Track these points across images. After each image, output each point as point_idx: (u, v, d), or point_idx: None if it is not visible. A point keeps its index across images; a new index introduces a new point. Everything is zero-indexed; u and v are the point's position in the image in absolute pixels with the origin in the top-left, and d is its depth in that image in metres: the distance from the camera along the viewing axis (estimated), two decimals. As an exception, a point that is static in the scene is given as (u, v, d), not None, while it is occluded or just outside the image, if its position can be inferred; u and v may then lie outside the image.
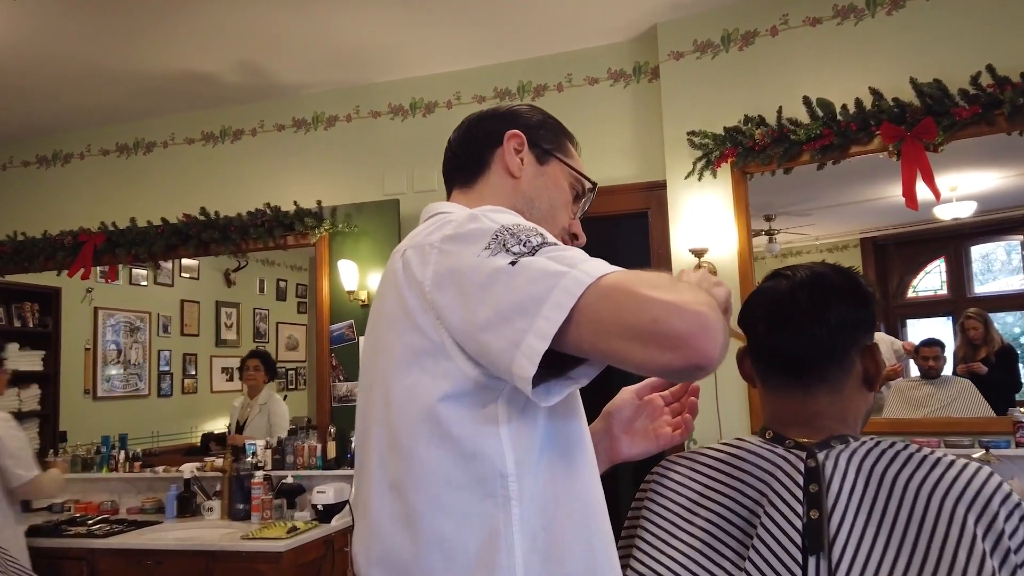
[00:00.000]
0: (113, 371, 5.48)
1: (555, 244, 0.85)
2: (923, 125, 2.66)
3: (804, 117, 2.89)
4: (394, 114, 3.82)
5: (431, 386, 0.86)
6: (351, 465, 3.46)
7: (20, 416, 4.67)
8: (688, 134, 3.09)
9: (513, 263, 0.81)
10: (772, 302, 1.04)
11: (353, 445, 3.50)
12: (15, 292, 4.61)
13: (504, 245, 0.83)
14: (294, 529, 3.08)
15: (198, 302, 6.30)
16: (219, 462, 3.54)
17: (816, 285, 1.02)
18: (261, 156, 4.02)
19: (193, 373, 6.19)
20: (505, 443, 0.85)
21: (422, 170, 3.74)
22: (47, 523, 3.36)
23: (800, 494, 0.95)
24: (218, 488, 3.56)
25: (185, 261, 5.78)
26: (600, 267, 0.79)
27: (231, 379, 6.60)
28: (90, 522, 3.41)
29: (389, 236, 3.62)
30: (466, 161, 1.11)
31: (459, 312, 0.84)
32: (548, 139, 1.11)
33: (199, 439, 5.45)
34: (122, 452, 3.89)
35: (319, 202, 3.67)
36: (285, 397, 4.92)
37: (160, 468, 3.77)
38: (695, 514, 1.02)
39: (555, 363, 0.80)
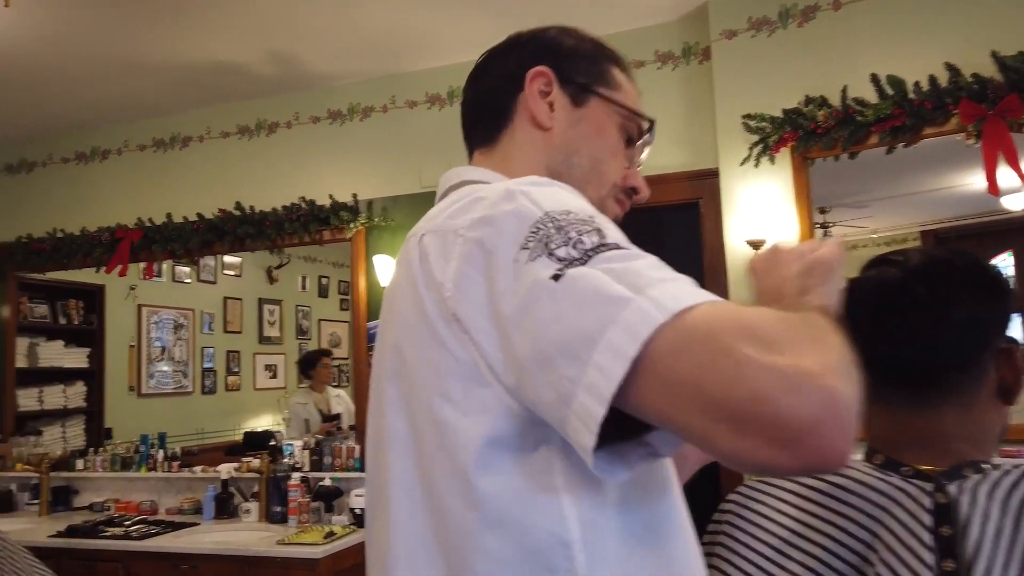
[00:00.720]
0: (158, 368, 5.47)
1: (616, 245, 0.61)
2: (1007, 102, 2.42)
3: (871, 96, 2.67)
4: (431, 103, 3.68)
5: (466, 427, 0.64)
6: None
7: (66, 413, 4.69)
8: (743, 118, 2.89)
9: (557, 276, 0.59)
10: (880, 296, 0.84)
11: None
12: (60, 290, 4.62)
13: (547, 245, 0.61)
14: (331, 534, 2.98)
15: (241, 299, 6.28)
16: (256, 463, 3.46)
17: (936, 274, 0.82)
18: (296, 149, 3.92)
19: (237, 370, 6.18)
20: (565, 499, 0.63)
21: (461, 160, 3.59)
22: (85, 523, 3.32)
23: (928, 538, 0.75)
24: (256, 489, 3.49)
25: (228, 259, 5.77)
26: (682, 294, 0.56)
27: (274, 376, 6.59)
28: (127, 523, 3.36)
29: (427, 230, 3.49)
30: (483, 113, 0.89)
31: (492, 336, 0.63)
32: (584, 70, 0.85)
33: (242, 437, 5.43)
34: (160, 451, 3.84)
35: (355, 195, 3.56)
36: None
37: (198, 468, 3.71)
38: (788, 557, 0.82)
39: (623, 420, 0.57)
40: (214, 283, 5.97)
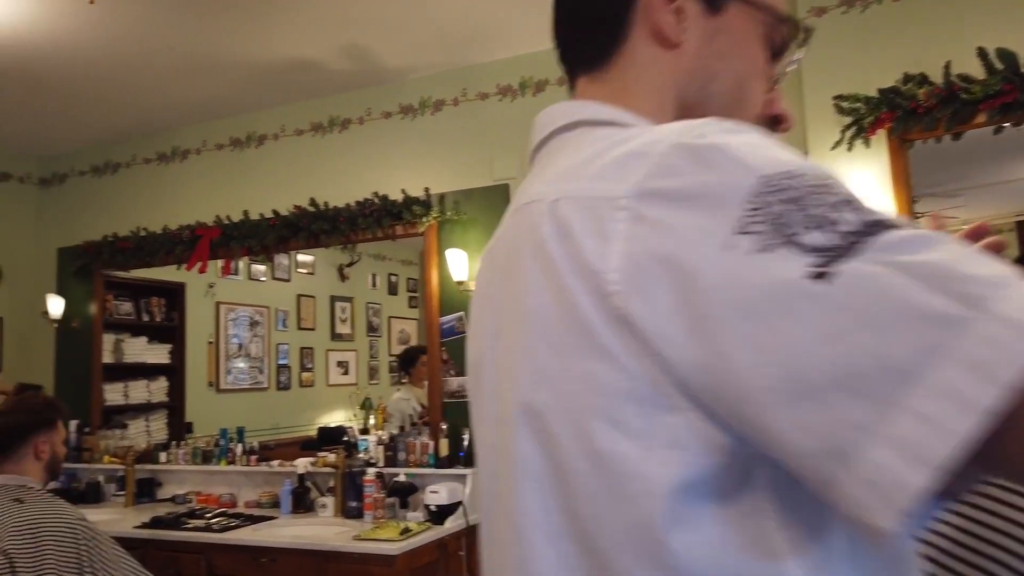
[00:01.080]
0: (235, 364, 5.59)
1: (892, 223, 0.43)
2: None
3: (978, 72, 2.48)
4: (502, 95, 3.63)
5: (650, 466, 0.47)
6: (464, 464, 3.31)
7: (149, 407, 4.83)
8: (834, 99, 2.73)
9: (820, 274, 0.42)
10: None
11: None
12: (143, 287, 4.75)
13: (783, 227, 0.44)
14: (407, 531, 2.95)
15: (314, 297, 6.40)
16: (332, 458, 3.47)
17: None
18: (369, 144, 3.92)
19: (310, 366, 6.28)
20: (790, 564, 0.46)
21: (533, 152, 3.55)
22: (169, 515, 3.39)
23: None
24: (331, 484, 3.50)
25: (301, 257, 5.89)
26: None
27: (346, 372, 6.67)
28: (208, 515, 3.42)
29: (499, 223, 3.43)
30: (589, 24, 0.66)
31: (687, 347, 0.46)
32: None
33: (316, 432, 5.49)
34: (239, 445, 3.89)
35: (427, 189, 3.53)
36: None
37: (275, 463, 3.75)
38: None
39: None
40: (288, 281, 6.09)
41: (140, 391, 4.91)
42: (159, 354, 5.03)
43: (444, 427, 3.40)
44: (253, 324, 6.00)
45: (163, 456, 4.09)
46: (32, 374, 4.56)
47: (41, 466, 2.25)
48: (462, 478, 3.30)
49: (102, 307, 4.49)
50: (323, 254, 6.25)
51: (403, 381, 4.95)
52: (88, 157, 4.74)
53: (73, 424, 4.31)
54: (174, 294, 5.00)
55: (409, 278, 6.96)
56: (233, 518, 3.39)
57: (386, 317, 7.10)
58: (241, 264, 5.19)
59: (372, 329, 6.99)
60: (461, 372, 3.47)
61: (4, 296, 4.66)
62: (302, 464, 3.55)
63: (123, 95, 3.92)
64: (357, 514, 3.29)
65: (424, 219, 3.49)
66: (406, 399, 4.58)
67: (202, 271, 4.13)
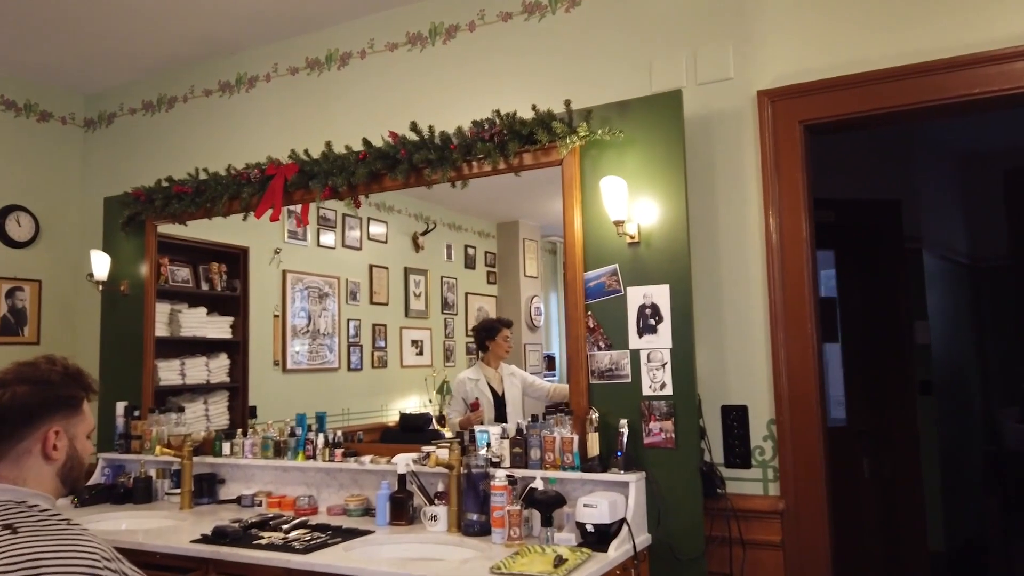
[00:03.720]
0: (303, 341, 4.95)
1: None
2: None
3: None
4: (667, -22, 2.74)
5: None
6: (622, 467, 2.45)
7: (209, 388, 4.16)
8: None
9: None
10: None
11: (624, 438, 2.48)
12: (202, 251, 4.05)
13: None
14: (561, 561, 2.10)
15: (387, 268, 5.73)
16: (444, 454, 2.64)
17: None
18: (482, 55, 3.08)
19: (383, 345, 5.61)
20: None
21: (709, 51, 2.65)
22: (235, 524, 2.60)
23: None
24: (441, 489, 2.67)
25: (374, 230, 5.26)
26: None
27: (420, 353, 5.98)
28: (285, 526, 2.63)
29: (668, 145, 2.55)
30: None
31: None
32: None
33: (398, 419, 4.79)
34: (320, 436, 3.10)
35: (568, 103, 2.66)
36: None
37: (367, 458, 2.94)
38: None
39: None
40: (359, 249, 5.41)
41: (198, 369, 4.25)
42: (220, 328, 4.37)
43: (594, 417, 2.53)
44: (322, 296, 5.30)
45: (226, 447, 3.33)
46: (73, 347, 3.87)
47: (52, 470, 1.45)
48: (622, 487, 2.43)
49: (155, 268, 3.76)
50: (396, 221, 5.57)
51: (479, 358, 4.17)
52: (139, 92, 4.01)
53: (120, 406, 3.60)
54: (236, 260, 4.30)
55: (487, 251, 6.22)
56: (317, 531, 2.59)
57: (462, 293, 6.33)
58: (309, 231, 4.59)
59: (447, 306, 6.23)
60: (616, 344, 2.60)
61: (43, 256, 3.97)
62: (403, 462, 2.73)
63: (176, 15, 3.17)
64: (481, 531, 2.46)
65: (567, 140, 2.61)
66: (475, 379, 3.83)
67: (274, 218, 3.35)
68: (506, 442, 2.65)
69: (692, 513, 2.43)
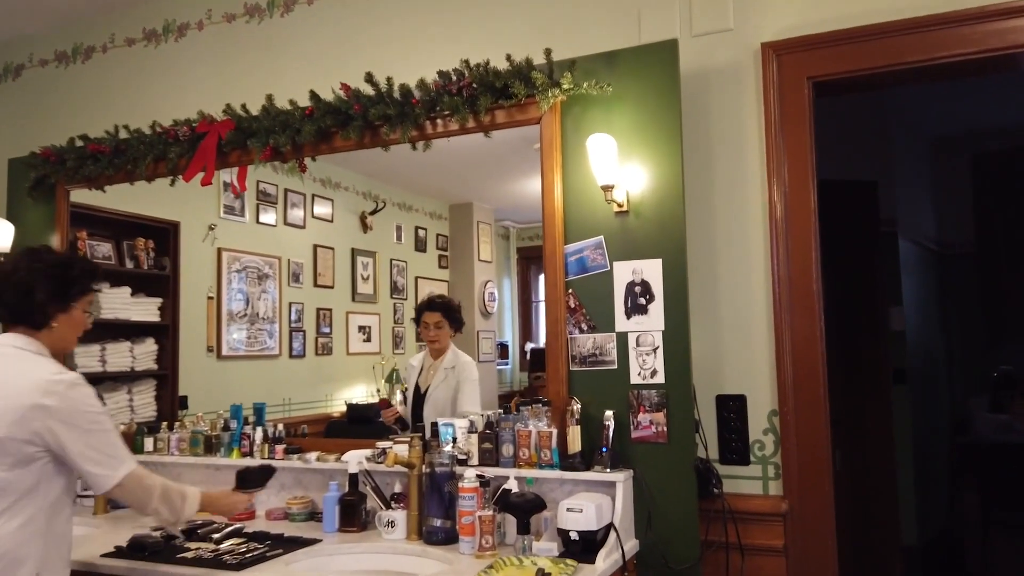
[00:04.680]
0: (240, 326, 4.53)
1: None
2: None
3: None
4: (658, -85, 2.44)
5: None
6: (608, 464, 2.16)
7: (133, 376, 3.76)
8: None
9: None
10: None
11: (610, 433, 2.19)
12: (126, 225, 3.62)
13: None
14: (543, 575, 1.80)
15: (333, 248, 5.34)
16: (402, 450, 2.30)
17: None
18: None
19: (328, 331, 5.23)
20: None
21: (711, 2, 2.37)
22: (155, 533, 2.21)
23: None
24: (398, 490, 2.34)
25: (319, 208, 4.90)
26: None
27: (368, 339, 5.64)
28: (216, 535, 2.25)
29: (662, 101, 2.25)
30: None
31: None
32: None
33: (344, 410, 4.44)
34: (258, 430, 2.72)
35: (548, 52, 2.33)
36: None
37: (312, 455, 2.58)
38: None
39: None
40: (303, 228, 5.01)
41: (122, 356, 3.85)
42: (146, 310, 3.97)
43: (575, 409, 2.23)
44: (262, 277, 4.88)
45: (148, 443, 2.93)
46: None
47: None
48: (607, 487, 2.14)
49: (68, 239, 3.30)
50: (343, 199, 5.22)
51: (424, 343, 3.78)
52: (51, 41, 3.53)
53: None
54: (166, 235, 3.88)
55: (438, 234, 5.89)
56: (254, 540, 2.22)
57: (412, 277, 5.97)
58: (247, 206, 4.20)
59: (397, 290, 5.88)
60: (598, 326, 2.30)
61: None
62: (355, 460, 2.38)
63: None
64: (447, 539, 2.13)
65: (548, 94, 2.28)
66: (415, 367, 3.50)
67: (206, 182, 2.94)
68: (474, 437, 2.33)
69: (686, 515, 2.16)
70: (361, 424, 3.95)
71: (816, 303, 2.21)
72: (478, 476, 2.12)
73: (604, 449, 2.18)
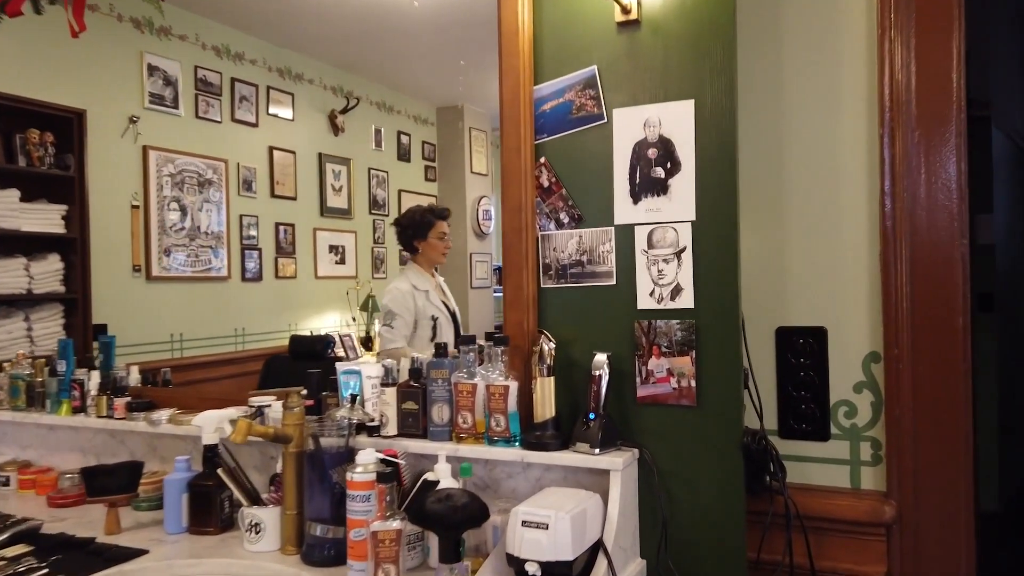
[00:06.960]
0: (176, 241, 3.80)
1: None
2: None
3: None
4: None
5: None
6: (597, 441, 1.30)
7: (33, 300, 3.09)
8: None
9: None
10: None
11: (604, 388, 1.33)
12: (17, 113, 2.91)
13: None
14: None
15: (294, 152, 4.56)
16: (275, 411, 1.45)
17: None
18: None
19: (290, 250, 4.47)
20: None
21: None
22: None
23: None
24: (276, 471, 1.50)
25: (276, 103, 4.13)
26: None
27: (342, 261, 4.87)
28: (-7, 540, 1.44)
29: None
30: None
31: None
32: None
33: (288, 341, 3.77)
34: (93, 375, 1.87)
35: None
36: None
37: (163, 414, 1.73)
38: None
39: None
40: (255, 126, 4.20)
41: (15, 275, 3.15)
42: (46, 219, 3.29)
43: (549, 347, 1.36)
44: (203, 184, 4.10)
45: (-36, 389, 2.10)
46: None
47: None
48: (596, 477, 1.29)
49: None
50: (306, 93, 4.43)
51: (409, 262, 2.89)
52: None
53: None
54: (68, 127, 3.16)
55: (425, 141, 5.07)
56: (51, 549, 1.41)
57: (395, 190, 5.22)
58: (181, 97, 3.66)
59: (376, 204, 5.14)
60: (586, 216, 1.41)
61: None
62: (211, 424, 1.53)
63: None
64: (334, 556, 1.31)
65: None
66: (423, 290, 2.65)
67: (12, 12, 2.02)
68: (391, 391, 1.47)
69: (727, 523, 1.31)
70: (307, 361, 3.23)
71: (957, 189, 1.31)
72: (382, 459, 1.27)
73: (592, 415, 1.32)
